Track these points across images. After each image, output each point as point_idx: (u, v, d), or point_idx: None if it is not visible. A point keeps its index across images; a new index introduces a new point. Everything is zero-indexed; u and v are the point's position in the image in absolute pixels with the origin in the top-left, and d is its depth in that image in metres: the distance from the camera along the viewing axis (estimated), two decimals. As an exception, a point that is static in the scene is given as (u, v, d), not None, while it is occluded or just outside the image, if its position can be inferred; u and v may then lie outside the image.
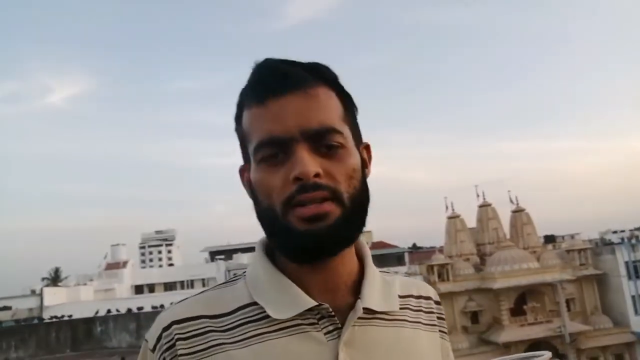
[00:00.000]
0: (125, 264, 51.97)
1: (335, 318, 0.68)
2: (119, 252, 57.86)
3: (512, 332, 31.62)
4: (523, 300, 33.19)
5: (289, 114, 0.66)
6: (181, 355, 0.66)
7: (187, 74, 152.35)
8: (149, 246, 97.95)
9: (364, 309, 0.69)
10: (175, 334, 0.67)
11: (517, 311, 32.70)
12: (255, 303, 0.69)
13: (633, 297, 33.97)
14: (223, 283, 0.76)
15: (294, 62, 0.71)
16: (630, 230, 43.95)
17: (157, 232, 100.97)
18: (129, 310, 32.35)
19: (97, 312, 31.68)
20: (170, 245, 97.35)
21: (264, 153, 0.67)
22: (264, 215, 0.68)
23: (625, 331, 33.34)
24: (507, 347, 31.27)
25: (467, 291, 33.45)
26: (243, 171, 0.75)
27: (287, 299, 0.68)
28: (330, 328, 0.67)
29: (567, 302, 32.73)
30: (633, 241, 37.26)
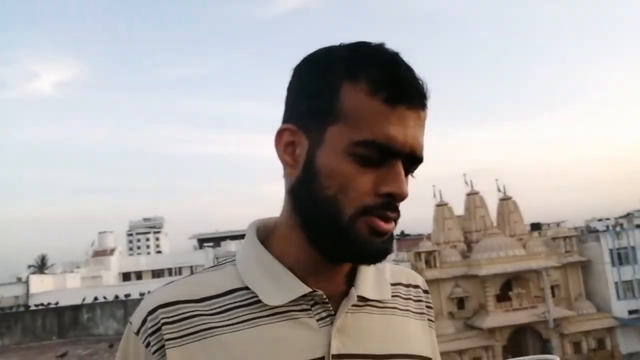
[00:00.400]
0: (112, 251, 51.76)
1: (329, 305, 0.67)
2: (106, 240, 57.53)
3: (497, 318, 32.05)
4: (508, 286, 33.61)
5: (411, 130, 0.63)
6: (168, 339, 0.64)
7: (175, 61, 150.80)
8: (137, 233, 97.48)
9: (357, 296, 0.69)
10: (162, 318, 0.65)
11: (503, 297, 33.12)
12: (246, 288, 0.67)
13: (616, 283, 34.59)
14: (210, 267, 0.73)
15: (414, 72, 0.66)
16: (615, 218, 44.61)
17: (145, 219, 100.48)
18: (116, 297, 32.23)
19: (84, 300, 31.49)
20: (159, 232, 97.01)
21: (369, 152, 0.62)
22: (323, 204, 0.64)
23: (607, 316, 33.99)
24: (492, 332, 31.73)
25: (453, 278, 33.79)
26: (284, 132, 0.68)
27: (280, 285, 0.67)
28: (323, 315, 0.66)
29: (552, 288, 33.24)
30: (617, 229, 37.87)
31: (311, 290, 0.66)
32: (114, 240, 59.73)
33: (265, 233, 0.73)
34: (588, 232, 39.73)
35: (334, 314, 0.67)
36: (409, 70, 0.64)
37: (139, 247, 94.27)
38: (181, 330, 0.64)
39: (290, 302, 0.66)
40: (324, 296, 0.66)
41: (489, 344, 32.00)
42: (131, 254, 75.79)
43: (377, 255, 0.65)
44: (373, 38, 0.67)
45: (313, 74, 0.67)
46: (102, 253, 51.18)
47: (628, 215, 44.76)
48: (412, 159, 0.65)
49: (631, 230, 36.80)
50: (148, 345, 0.65)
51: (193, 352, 0.64)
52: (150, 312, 0.66)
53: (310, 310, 0.66)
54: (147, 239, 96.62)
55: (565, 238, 36.23)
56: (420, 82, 0.65)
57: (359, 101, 0.62)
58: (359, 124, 0.62)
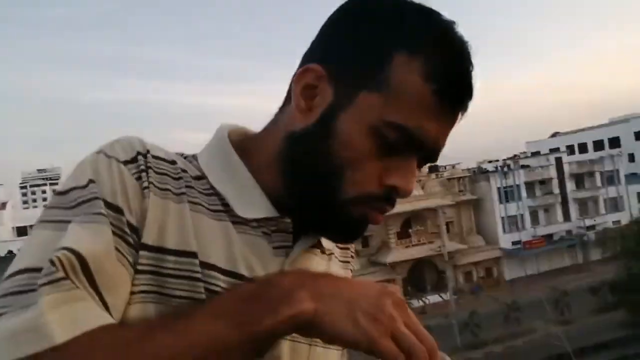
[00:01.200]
0: (4, 205, 48.27)
1: (291, 236, 0.63)
2: (-5, 193, 53.42)
3: (398, 253, 34.38)
4: (409, 224, 35.95)
5: (444, 130, 0.60)
6: (152, 183, 0.57)
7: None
8: (31, 185, 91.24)
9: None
10: (149, 163, 0.58)
11: (403, 234, 35.45)
12: (214, 189, 0.62)
13: (502, 218, 38.13)
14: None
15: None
16: (503, 160, 48.22)
17: (40, 170, 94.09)
18: (10, 252, 30.49)
19: (-27, 255, 29.45)
20: (56, 184, 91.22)
21: (395, 137, 0.57)
22: (325, 171, 0.59)
23: (494, 248, 37.61)
24: (394, 267, 34.06)
25: (358, 218, 35.40)
26: (308, 72, 0.60)
27: (250, 199, 0.62)
28: (280, 245, 0.63)
29: (447, 224, 36.01)
30: (505, 170, 41.21)
31: (279, 215, 0.62)
32: (4, 193, 55.62)
33: (234, 143, 0.67)
34: (479, 173, 42.82)
35: (291, 247, 0.64)
36: (470, 66, 0.59)
37: (34, 200, 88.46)
38: (165, 184, 0.58)
39: (255, 219, 0.62)
40: (291, 224, 0.63)
41: (390, 278, 34.30)
42: (26, 208, 71.08)
43: (349, 239, 0.65)
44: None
45: (370, 24, 0.59)
46: (-9, 207, 47.59)
47: (514, 157, 48.71)
48: (429, 157, 0.61)
49: (516, 170, 40.27)
50: (139, 179, 0.57)
51: (171, 210, 0.58)
52: (141, 154, 0.58)
53: (270, 235, 0.63)
54: (44, 192, 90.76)
55: (459, 179, 39.12)
56: (474, 81, 0.60)
57: (409, 81, 0.56)
58: (399, 103, 0.56)
